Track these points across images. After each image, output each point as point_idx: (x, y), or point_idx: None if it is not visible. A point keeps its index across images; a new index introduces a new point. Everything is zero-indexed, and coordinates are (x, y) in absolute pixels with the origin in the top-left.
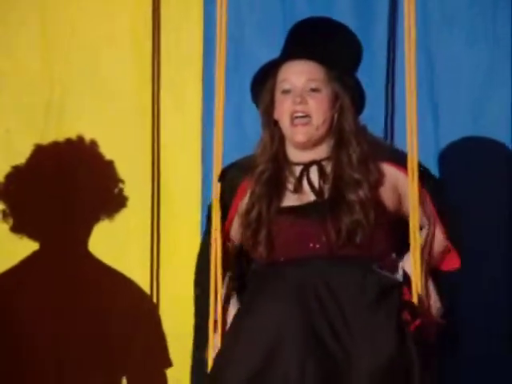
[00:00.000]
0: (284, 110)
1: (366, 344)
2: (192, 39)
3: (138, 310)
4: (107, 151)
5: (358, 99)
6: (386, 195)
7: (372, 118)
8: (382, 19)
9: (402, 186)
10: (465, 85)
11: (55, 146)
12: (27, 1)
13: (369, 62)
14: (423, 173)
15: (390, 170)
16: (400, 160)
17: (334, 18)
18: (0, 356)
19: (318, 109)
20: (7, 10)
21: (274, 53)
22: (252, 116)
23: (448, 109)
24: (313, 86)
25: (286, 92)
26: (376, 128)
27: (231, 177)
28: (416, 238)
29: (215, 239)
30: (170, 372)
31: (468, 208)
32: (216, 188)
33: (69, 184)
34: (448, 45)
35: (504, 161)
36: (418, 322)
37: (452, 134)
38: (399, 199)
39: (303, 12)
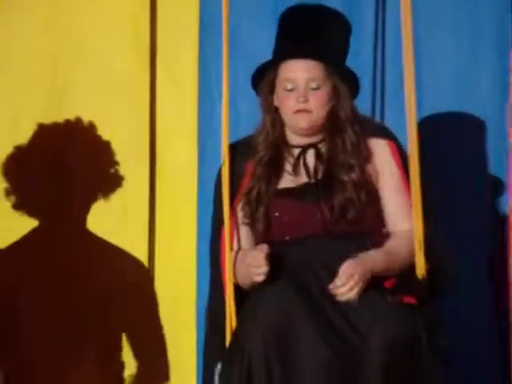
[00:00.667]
0: (287, 107)
1: (373, 320)
2: (188, 20)
3: (135, 279)
4: (105, 130)
5: (353, 86)
6: (374, 172)
7: (360, 101)
8: (370, 8)
9: (379, 163)
10: (448, 72)
11: (55, 127)
12: None
13: (357, 47)
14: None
15: (376, 146)
16: (388, 135)
17: (322, 5)
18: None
19: (318, 105)
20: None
21: (267, 39)
22: (246, 101)
23: (431, 96)
24: (313, 85)
25: (289, 90)
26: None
27: (237, 156)
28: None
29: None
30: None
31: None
32: (226, 166)
33: (68, 164)
34: (431, 33)
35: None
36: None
37: (434, 119)
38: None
39: None
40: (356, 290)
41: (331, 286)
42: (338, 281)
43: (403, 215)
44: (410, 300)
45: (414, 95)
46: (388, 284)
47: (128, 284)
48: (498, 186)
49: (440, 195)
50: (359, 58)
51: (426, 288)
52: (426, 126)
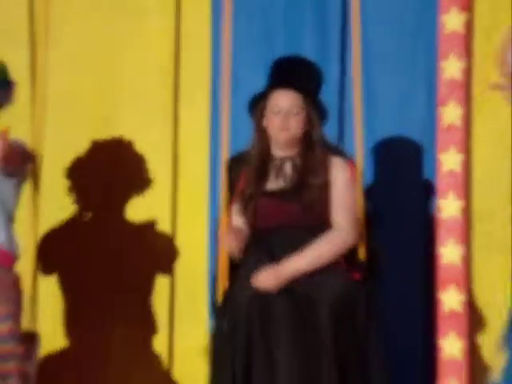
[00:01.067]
0: (274, 124)
1: (327, 284)
2: (202, 67)
3: (161, 252)
4: (141, 144)
5: (322, 116)
6: (331, 179)
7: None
8: (336, 60)
9: (334, 174)
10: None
11: (104, 142)
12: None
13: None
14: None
15: (334, 161)
16: (342, 154)
17: (304, 57)
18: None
19: (296, 126)
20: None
21: (261, 79)
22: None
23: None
24: (294, 111)
25: (276, 113)
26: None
27: (234, 166)
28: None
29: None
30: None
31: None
32: (224, 176)
33: (112, 170)
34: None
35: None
36: (345, 263)
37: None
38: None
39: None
40: (271, 288)
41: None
42: (255, 282)
43: (340, 211)
44: (356, 275)
45: (362, 124)
46: (340, 264)
47: (156, 256)
48: (430, 191)
49: (385, 196)
50: (326, 96)
51: (367, 268)
52: (376, 147)
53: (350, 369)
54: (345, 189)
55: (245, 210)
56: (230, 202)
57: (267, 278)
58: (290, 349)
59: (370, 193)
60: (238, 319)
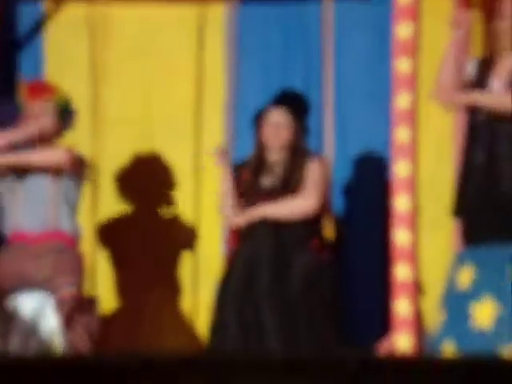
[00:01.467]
0: (269, 133)
1: (299, 258)
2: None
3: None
4: (172, 155)
5: (305, 130)
6: (309, 173)
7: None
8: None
9: (309, 169)
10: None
11: (146, 155)
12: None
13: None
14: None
15: (312, 160)
16: (319, 157)
17: (295, 91)
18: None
19: (286, 138)
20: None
21: (262, 102)
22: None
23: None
24: (284, 124)
25: (271, 126)
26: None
27: (237, 168)
28: None
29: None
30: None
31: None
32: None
33: (151, 176)
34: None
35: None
36: (316, 242)
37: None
38: None
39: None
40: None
41: None
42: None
43: (310, 185)
44: (325, 253)
45: (332, 137)
46: (314, 244)
47: (181, 238)
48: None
49: (357, 193)
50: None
51: (334, 247)
52: (348, 157)
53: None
54: (317, 177)
55: (245, 202)
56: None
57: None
58: (272, 303)
59: (345, 190)
60: (230, 284)
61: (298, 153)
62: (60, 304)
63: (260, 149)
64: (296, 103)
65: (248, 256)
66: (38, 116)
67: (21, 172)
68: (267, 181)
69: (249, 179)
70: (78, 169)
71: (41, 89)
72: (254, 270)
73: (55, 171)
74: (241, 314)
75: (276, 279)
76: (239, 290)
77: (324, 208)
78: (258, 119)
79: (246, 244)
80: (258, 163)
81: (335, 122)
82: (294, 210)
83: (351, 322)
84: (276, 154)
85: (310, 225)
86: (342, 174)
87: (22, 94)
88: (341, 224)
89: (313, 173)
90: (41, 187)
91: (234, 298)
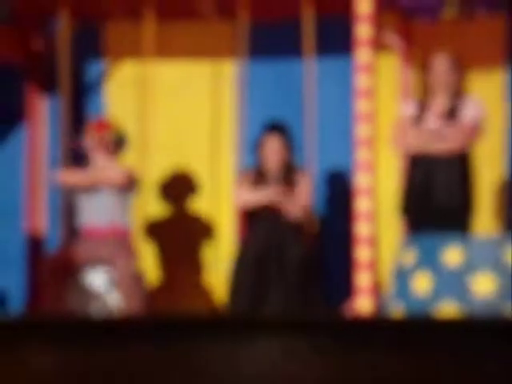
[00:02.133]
0: (266, 155)
1: (291, 247)
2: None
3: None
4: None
5: (293, 151)
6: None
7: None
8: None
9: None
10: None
11: (176, 170)
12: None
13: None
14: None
15: (300, 175)
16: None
17: (283, 122)
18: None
19: (279, 158)
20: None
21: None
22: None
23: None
24: (278, 145)
25: (267, 147)
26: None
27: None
28: None
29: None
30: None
31: None
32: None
33: (179, 185)
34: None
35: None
36: (307, 237)
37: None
38: None
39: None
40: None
41: None
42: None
43: (299, 195)
44: (312, 245)
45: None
46: (306, 238)
47: (200, 232)
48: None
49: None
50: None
51: (317, 239)
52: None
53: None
54: (305, 186)
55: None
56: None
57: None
58: (276, 278)
59: (319, 196)
60: (246, 263)
61: (289, 167)
62: (117, 277)
63: (260, 164)
64: (283, 130)
65: (257, 247)
66: (100, 147)
67: (90, 186)
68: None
69: (250, 186)
70: (131, 183)
71: (102, 125)
72: (263, 256)
73: (116, 185)
74: (253, 284)
75: (278, 263)
76: (252, 268)
77: (309, 211)
78: (259, 143)
79: (255, 237)
80: (258, 175)
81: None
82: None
83: (327, 290)
84: (273, 169)
85: (300, 224)
86: (320, 185)
87: (89, 130)
88: (320, 222)
89: (302, 183)
90: (106, 196)
91: (247, 274)
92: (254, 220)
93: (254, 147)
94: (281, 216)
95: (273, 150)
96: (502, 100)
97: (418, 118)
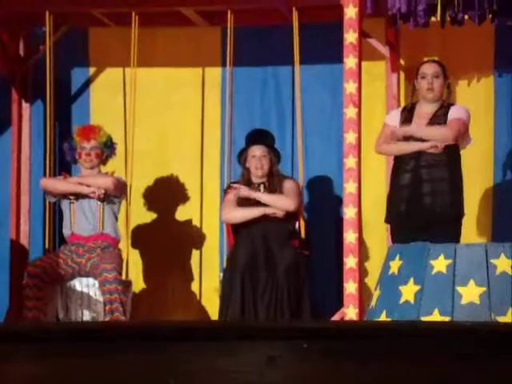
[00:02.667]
0: (252, 165)
1: (283, 256)
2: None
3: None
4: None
5: (278, 159)
6: (285, 190)
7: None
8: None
9: (285, 188)
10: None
11: (162, 178)
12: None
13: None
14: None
15: (286, 181)
16: (291, 179)
17: (267, 130)
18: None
19: (265, 168)
20: None
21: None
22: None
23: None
24: (263, 155)
25: (253, 157)
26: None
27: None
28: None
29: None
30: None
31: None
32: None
33: (167, 192)
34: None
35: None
36: (297, 243)
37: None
38: None
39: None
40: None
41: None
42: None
43: (289, 195)
44: (304, 251)
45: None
46: (295, 243)
47: (190, 237)
48: (340, 203)
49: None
50: (285, 148)
51: (305, 244)
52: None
53: (294, 302)
54: (292, 192)
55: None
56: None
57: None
58: (266, 287)
59: (307, 202)
60: (236, 271)
61: (276, 175)
62: (102, 284)
63: (247, 174)
64: (266, 138)
65: (247, 253)
66: (90, 152)
67: (77, 193)
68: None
69: (240, 196)
70: (119, 189)
71: (90, 130)
72: (252, 263)
73: (105, 191)
74: (244, 291)
75: (267, 269)
76: (244, 276)
77: (299, 216)
78: (243, 153)
79: (244, 243)
80: (247, 184)
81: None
82: (280, 203)
83: (316, 299)
84: (258, 178)
85: (290, 229)
86: (305, 191)
87: (77, 135)
88: (310, 228)
89: (288, 189)
90: (92, 202)
91: (239, 280)
92: (242, 227)
93: (239, 155)
94: (269, 222)
95: (257, 158)
96: (491, 107)
97: (405, 122)
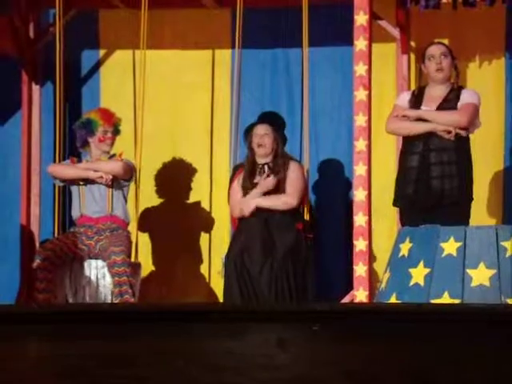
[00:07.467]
0: (255, 144)
1: (281, 236)
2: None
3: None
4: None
5: (284, 140)
6: (289, 173)
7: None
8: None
9: (291, 170)
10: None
11: (172, 164)
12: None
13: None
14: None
15: (291, 163)
16: (296, 160)
17: (275, 112)
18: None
19: (269, 147)
20: None
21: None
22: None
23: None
24: (266, 136)
25: (257, 136)
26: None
27: (237, 166)
28: None
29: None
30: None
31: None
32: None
33: (177, 174)
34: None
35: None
36: (301, 225)
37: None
38: None
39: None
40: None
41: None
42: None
43: (291, 188)
44: (307, 232)
45: (309, 146)
46: (299, 226)
47: (200, 218)
48: (350, 186)
49: (327, 187)
50: (294, 130)
51: (309, 226)
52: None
53: (295, 283)
54: (295, 178)
55: (242, 194)
56: (231, 181)
57: (244, 206)
58: (263, 270)
59: (317, 185)
60: (230, 256)
61: (280, 157)
62: (110, 266)
63: (252, 155)
64: (274, 120)
65: (244, 239)
66: (111, 136)
67: (87, 176)
68: (258, 178)
69: (245, 177)
70: (127, 173)
71: (111, 115)
72: (248, 248)
73: (115, 175)
74: (240, 277)
75: (264, 253)
76: (238, 261)
77: (303, 200)
78: (248, 132)
79: (243, 229)
80: (251, 165)
81: (310, 136)
82: (280, 203)
83: (325, 282)
84: (262, 158)
85: (294, 213)
86: (315, 174)
87: (100, 119)
88: (315, 211)
89: (293, 172)
90: (101, 185)
91: (235, 266)
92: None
93: (244, 135)
94: (272, 213)
95: (259, 136)
96: (502, 89)
97: (415, 105)
